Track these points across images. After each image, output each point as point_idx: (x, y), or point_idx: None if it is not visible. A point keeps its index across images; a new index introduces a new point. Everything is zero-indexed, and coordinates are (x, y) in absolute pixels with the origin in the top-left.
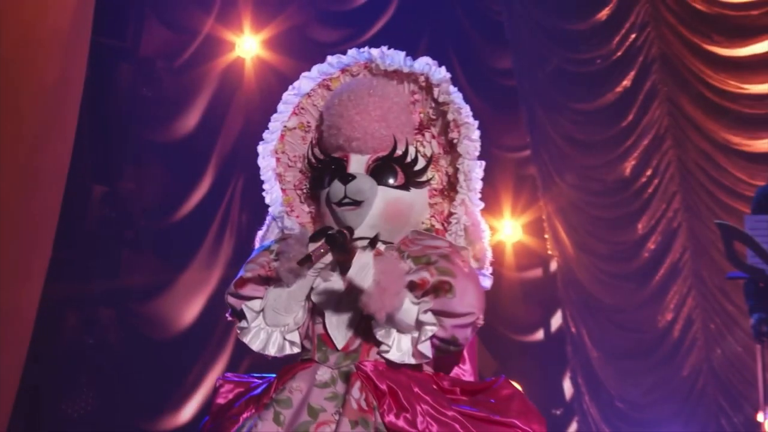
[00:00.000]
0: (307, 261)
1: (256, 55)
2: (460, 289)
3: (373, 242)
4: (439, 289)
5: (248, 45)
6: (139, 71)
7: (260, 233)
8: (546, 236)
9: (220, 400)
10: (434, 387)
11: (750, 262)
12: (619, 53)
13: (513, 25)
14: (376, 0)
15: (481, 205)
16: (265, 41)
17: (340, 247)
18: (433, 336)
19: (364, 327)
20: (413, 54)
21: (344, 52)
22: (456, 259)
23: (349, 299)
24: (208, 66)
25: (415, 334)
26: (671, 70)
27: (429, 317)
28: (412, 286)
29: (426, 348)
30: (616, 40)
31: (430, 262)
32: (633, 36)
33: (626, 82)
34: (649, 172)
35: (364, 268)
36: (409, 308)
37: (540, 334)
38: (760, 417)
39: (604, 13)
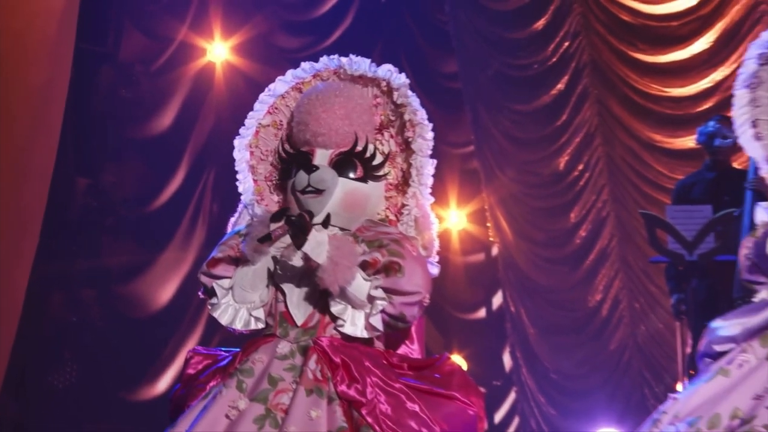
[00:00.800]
0: (267, 239)
1: (225, 60)
2: (408, 269)
3: (325, 223)
4: (390, 269)
5: (218, 51)
6: (119, 74)
7: (232, 219)
8: (488, 224)
9: (190, 371)
10: (384, 362)
11: (670, 248)
12: (554, 59)
13: (458, 34)
14: (334, 11)
15: (432, 199)
16: (234, 47)
17: (298, 227)
18: (383, 311)
19: (321, 306)
20: (368, 59)
21: (306, 59)
22: (406, 244)
23: (308, 279)
24: (181, 70)
25: (368, 310)
26: (600, 74)
27: (379, 293)
28: (364, 265)
29: (377, 321)
30: (551, 48)
31: (382, 245)
32: (566, 44)
33: (560, 86)
34: (580, 167)
35: (319, 245)
36: (361, 284)
37: (482, 313)
38: (679, 387)
39: (540, 23)
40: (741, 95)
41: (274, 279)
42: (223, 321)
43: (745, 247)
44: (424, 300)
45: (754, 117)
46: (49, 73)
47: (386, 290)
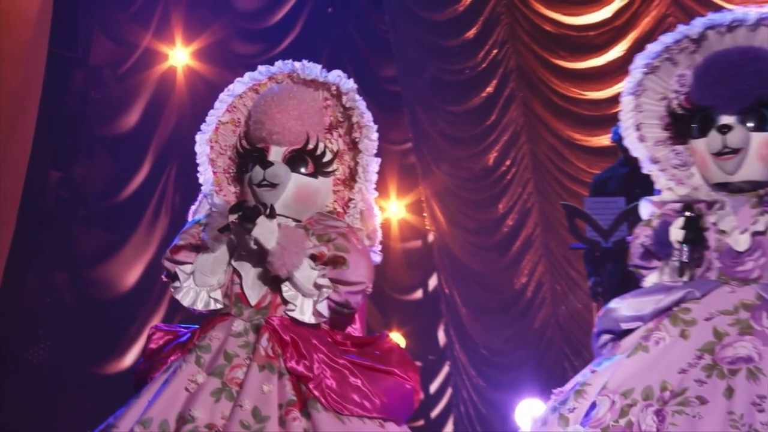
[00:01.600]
0: (226, 229)
1: (186, 65)
2: (353, 262)
3: (271, 213)
4: (336, 262)
5: (179, 56)
6: (89, 77)
7: (193, 208)
8: (424, 214)
9: (152, 346)
10: (329, 340)
11: (588, 236)
12: (484, 65)
13: (397, 41)
14: (285, 20)
15: (376, 194)
16: (194, 53)
17: (251, 216)
18: (330, 299)
19: (273, 288)
20: (319, 65)
21: (259, 64)
22: (352, 238)
23: (261, 264)
24: (146, 73)
25: (315, 297)
26: (525, 79)
27: (326, 281)
28: (312, 257)
29: (323, 308)
30: (481, 55)
31: (330, 239)
32: (495, 51)
33: (489, 89)
34: (508, 162)
35: (270, 232)
36: (309, 272)
37: (419, 294)
38: None
39: (471, 33)
40: (627, 101)
41: (232, 263)
42: (185, 303)
43: (642, 236)
44: (367, 289)
45: (638, 121)
46: (25, 75)
47: (332, 280)
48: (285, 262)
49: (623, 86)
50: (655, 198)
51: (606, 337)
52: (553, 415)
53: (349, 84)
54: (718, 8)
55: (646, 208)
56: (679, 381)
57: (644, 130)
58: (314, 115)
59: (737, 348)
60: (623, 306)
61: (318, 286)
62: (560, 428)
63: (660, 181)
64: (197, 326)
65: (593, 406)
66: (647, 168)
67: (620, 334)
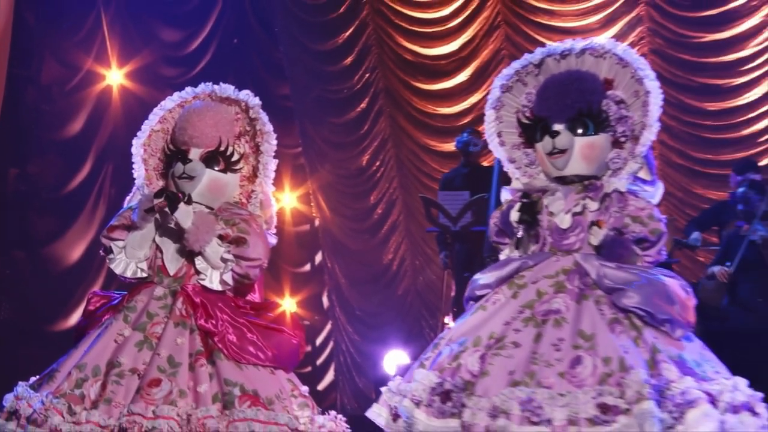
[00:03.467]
0: (151, 211)
1: (120, 84)
2: (252, 242)
3: (188, 200)
4: (239, 242)
5: (115, 77)
6: (41, 93)
7: (128, 198)
8: (312, 204)
9: (90, 307)
10: (232, 304)
11: (440, 221)
12: (359, 86)
13: (290, 66)
14: (200, 48)
15: (273, 188)
16: (127, 74)
17: (172, 200)
18: (233, 270)
19: (188, 261)
20: (233, 86)
21: (179, 83)
22: (252, 223)
23: (179, 242)
24: (88, 90)
25: (222, 269)
26: (391, 97)
27: (230, 257)
28: (220, 237)
29: (228, 278)
30: (356, 78)
31: (235, 224)
32: (367, 75)
33: (363, 105)
34: (377, 163)
35: (186, 215)
36: (217, 249)
37: (308, 267)
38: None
39: (348, 60)
40: (489, 114)
41: (155, 240)
42: (118, 271)
43: (494, 218)
44: (263, 264)
45: (498, 130)
46: None
47: (236, 256)
48: (198, 239)
49: (468, 104)
50: (510, 187)
51: (471, 303)
52: (416, 363)
53: (255, 100)
54: (542, 44)
55: (505, 195)
56: (502, 330)
57: (504, 137)
58: (227, 125)
59: (551, 303)
60: (482, 277)
61: (224, 260)
62: (420, 372)
63: (515, 176)
64: (126, 292)
65: (440, 353)
66: (506, 166)
67: (477, 299)
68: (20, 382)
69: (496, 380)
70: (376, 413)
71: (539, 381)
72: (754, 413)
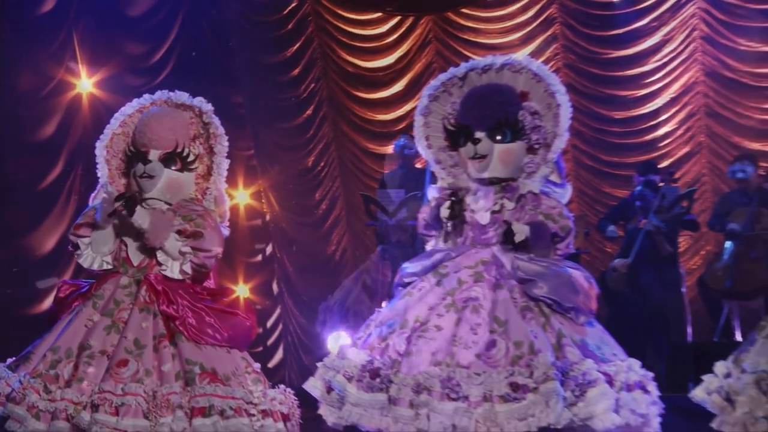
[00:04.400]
0: (113, 214)
1: (89, 92)
2: (208, 236)
3: (143, 201)
4: (196, 236)
5: (84, 85)
6: (18, 100)
7: (93, 195)
8: (263, 200)
9: (61, 294)
10: (191, 290)
11: (379, 216)
12: (305, 95)
13: (243, 76)
14: (162, 60)
15: (225, 185)
16: (95, 83)
17: (130, 204)
18: (192, 261)
19: (150, 254)
20: (187, 93)
21: (143, 92)
22: (207, 218)
23: (141, 238)
24: (60, 97)
25: (181, 261)
26: (335, 105)
27: (188, 249)
28: (179, 232)
29: (187, 268)
30: (303, 87)
31: (192, 219)
32: (313, 85)
33: (309, 112)
34: (322, 164)
35: (143, 216)
36: (176, 243)
37: (259, 257)
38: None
39: (296, 71)
40: (418, 120)
41: (119, 235)
42: (85, 265)
43: (423, 213)
44: (218, 255)
45: (426, 134)
46: None
47: (193, 249)
48: (157, 236)
49: (403, 111)
50: (436, 185)
51: (400, 288)
52: (351, 342)
53: (207, 106)
54: (468, 59)
55: (431, 193)
56: (427, 315)
57: (431, 140)
58: (182, 128)
59: (470, 291)
60: (410, 266)
61: (182, 253)
62: (352, 350)
63: (441, 175)
64: (94, 280)
65: (370, 334)
66: (433, 167)
67: (405, 286)
68: None
69: (421, 360)
70: (312, 386)
71: (458, 361)
72: (646, 391)
